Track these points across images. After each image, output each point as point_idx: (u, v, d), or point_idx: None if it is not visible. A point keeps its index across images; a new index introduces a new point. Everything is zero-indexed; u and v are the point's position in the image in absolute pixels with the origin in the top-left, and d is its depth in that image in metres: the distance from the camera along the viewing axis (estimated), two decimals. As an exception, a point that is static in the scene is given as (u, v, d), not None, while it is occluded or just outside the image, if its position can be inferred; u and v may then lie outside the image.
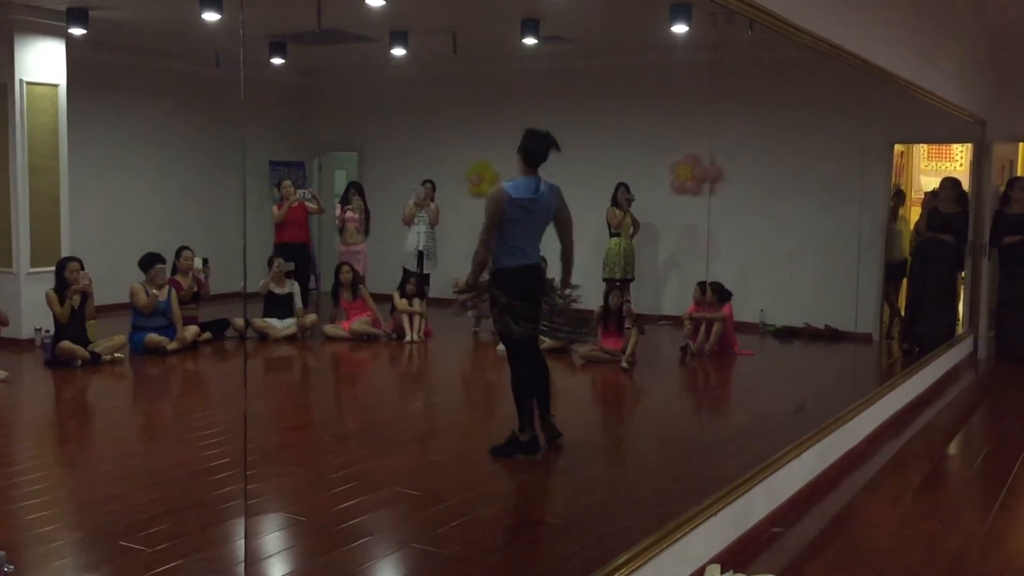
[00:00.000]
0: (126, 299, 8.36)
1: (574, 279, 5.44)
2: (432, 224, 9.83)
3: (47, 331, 7.83)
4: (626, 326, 7.91)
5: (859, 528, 4.65)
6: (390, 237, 10.34)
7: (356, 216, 10.00)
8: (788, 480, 4.81)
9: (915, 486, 5.41)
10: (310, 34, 9.28)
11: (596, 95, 10.44)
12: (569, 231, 5.30)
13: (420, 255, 9.76)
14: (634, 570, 3.42)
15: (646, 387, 7.83)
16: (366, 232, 10.10)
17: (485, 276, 5.24)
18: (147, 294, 8.30)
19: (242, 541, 3.96)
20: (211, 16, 7.57)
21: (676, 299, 9.79)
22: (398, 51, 9.43)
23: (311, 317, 9.34)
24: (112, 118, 10.45)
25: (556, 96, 10.55)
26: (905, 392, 7.19)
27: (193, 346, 8.43)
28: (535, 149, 5.22)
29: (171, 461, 5.26)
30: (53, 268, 7.97)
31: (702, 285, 8.48)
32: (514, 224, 5.08)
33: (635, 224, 9.55)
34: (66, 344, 7.55)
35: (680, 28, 6.99)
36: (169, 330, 8.32)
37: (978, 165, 9.61)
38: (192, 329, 8.50)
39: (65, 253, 8.41)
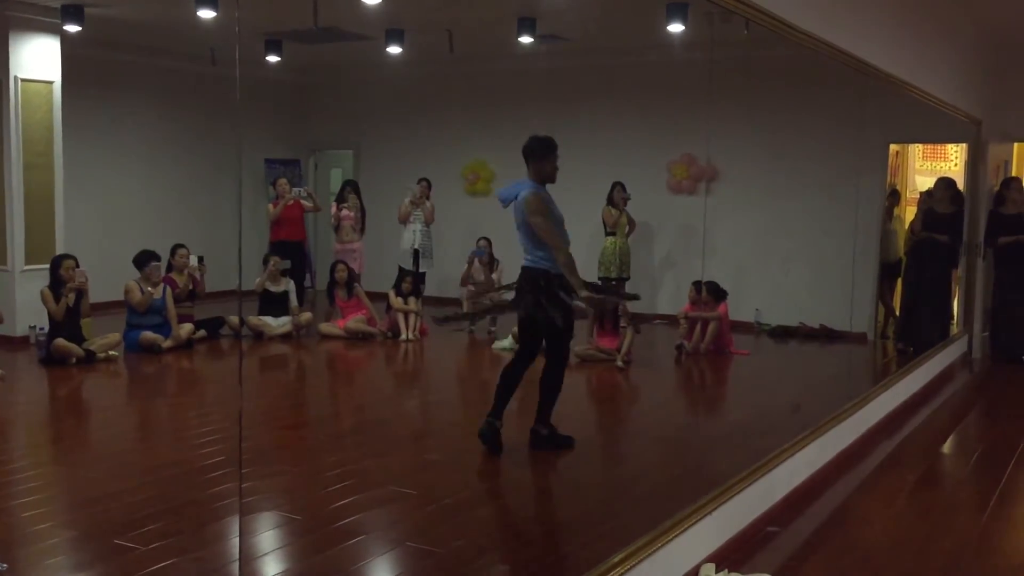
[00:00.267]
0: (121, 297, 8.34)
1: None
2: (428, 222, 9.82)
3: (41, 329, 7.82)
4: (621, 325, 7.91)
5: (854, 527, 4.66)
6: (386, 235, 10.34)
7: (352, 214, 9.99)
8: (783, 479, 4.82)
9: (910, 486, 5.41)
10: (306, 32, 9.27)
11: (592, 94, 10.44)
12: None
13: (416, 253, 9.76)
14: (629, 569, 3.42)
15: (641, 386, 7.83)
16: (362, 230, 10.10)
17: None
18: (142, 292, 8.29)
19: (236, 539, 3.96)
20: (207, 13, 7.56)
21: (672, 298, 9.80)
22: (394, 49, 9.42)
23: (306, 315, 9.33)
24: (107, 115, 10.42)
25: (552, 95, 10.55)
26: (900, 392, 7.20)
27: (188, 344, 8.42)
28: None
29: (165, 459, 5.25)
30: (47, 265, 7.95)
31: (698, 284, 8.49)
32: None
33: (631, 223, 9.55)
34: (61, 342, 7.53)
35: (676, 27, 6.99)
36: (164, 328, 8.31)
37: (973, 165, 9.63)
38: (187, 327, 8.49)
39: (60, 250, 8.39)
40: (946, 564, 4.18)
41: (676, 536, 3.74)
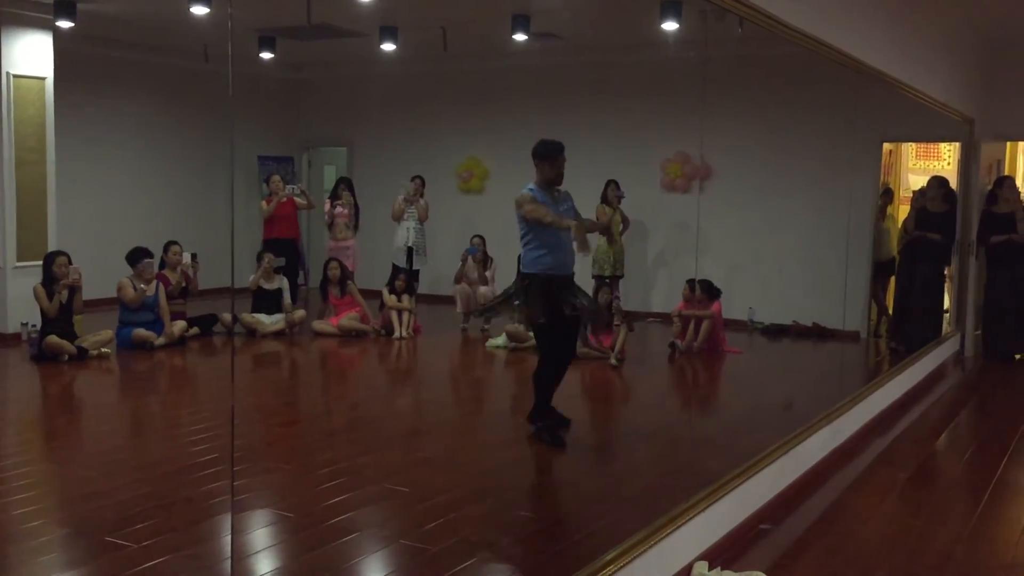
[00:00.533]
0: (113, 294, 8.32)
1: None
2: (421, 220, 9.82)
3: (33, 326, 7.79)
4: (615, 323, 7.91)
5: (847, 525, 4.67)
6: (379, 233, 10.32)
7: (345, 212, 9.98)
8: (776, 477, 4.83)
9: (902, 483, 5.43)
10: (300, 29, 9.26)
11: (586, 92, 10.44)
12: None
13: (409, 251, 9.75)
14: (622, 567, 3.42)
15: (634, 384, 7.83)
16: (355, 228, 10.09)
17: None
18: (134, 289, 8.27)
19: (228, 537, 3.95)
20: (200, 10, 7.54)
21: (665, 296, 9.81)
22: (388, 47, 9.41)
23: (299, 313, 9.31)
24: (100, 112, 10.39)
25: (546, 93, 10.56)
26: (892, 390, 7.21)
27: (180, 341, 8.40)
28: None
29: (158, 457, 5.24)
30: (39, 262, 7.93)
31: (691, 283, 8.50)
32: None
33: (625, 221, 9.55)
34: (53, 339, 7.51)
35: (670, 26, 6.98)
36: (156, 325, 8.29)
37: (966, 164, 9.65)
38: (179, 324, 8.47)
39: (52, 247, 8.36)
40: (938, 561, 4.19)
41: (669, 534, 3.74)
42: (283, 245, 9.72)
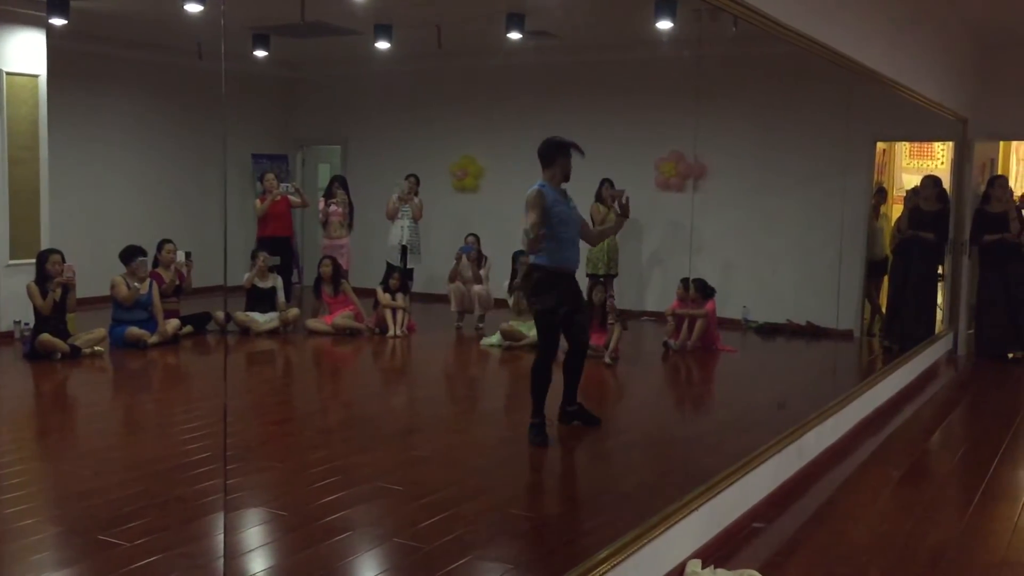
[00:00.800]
0: (106, 292, 8.31)
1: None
2: (416, 219, 9.81)
3: (26, 324, 7.77)
4: (609, 322, 7.92)
5: (839, 523, 4.68)
6: (374, 231, 10.32)
7: (339, 210, 9.96)
8: (769, 476, 4.83)
9: (895, 482, 5.44)
10: (294, 27, 9.23)
11: (581, 91, 10.44)
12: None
13: (403, 250, 9.74)
14: (615, 565, 3.42)
15: (628, 383, 7.84)
16: (349, 226, 10.07)
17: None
18: (128, 287, 8.25)
19: (221, 536, 3.94)
20: (193, 7, 7.53)
21: (659, 295, 9.82)
22: (382, 44, 9.40)
23: (293, 311, 9.30)
24: (93, 109, 10.37)
25: (540, 92, 10.56)
26: (885, 389, 7.23)
27: (174, 340, 8.39)
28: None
29: (151, 455, 5.23)
30: (33, 260, 7.91)
31: (685, 282, 8.51)
32: None
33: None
34: (46, 337, 7.49)
35: (665, 24, 6.99)
36: (150, 323, 8.28)
37: (959, 163, 9.68)
38: (173, 323, 8.46)
39: (45, 245, 8.34)
40: (930, 560, 4.21)
41: (662, 532, 3.75)
42: (277, 243, 9.70)
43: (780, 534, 4.51)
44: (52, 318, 7.63)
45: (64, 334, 7.66)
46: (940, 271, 9.55)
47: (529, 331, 8.33)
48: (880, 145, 9.73)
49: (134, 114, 10.87)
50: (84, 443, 5.70)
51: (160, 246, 8.82)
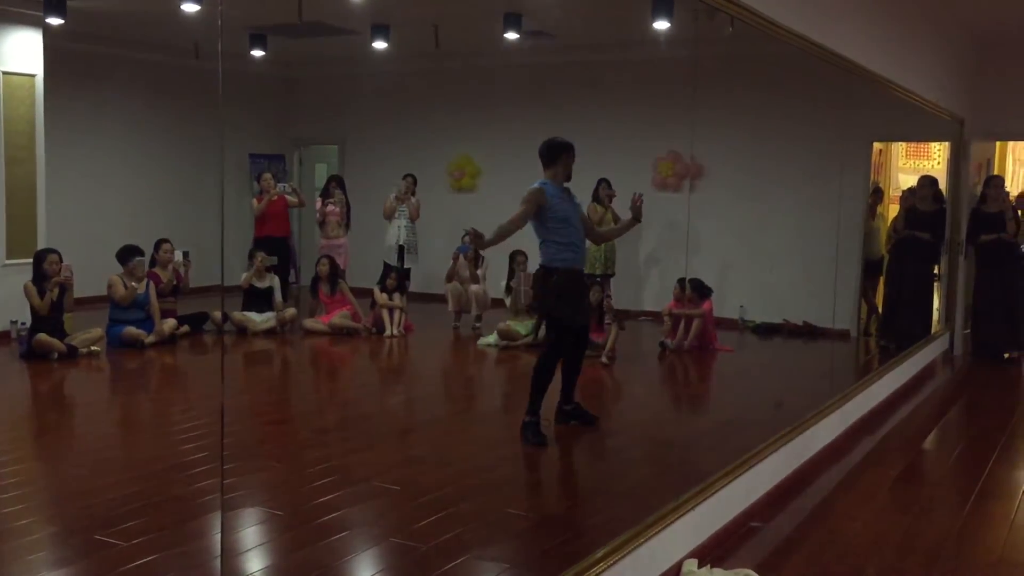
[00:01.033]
0: (103, 291, 8.30)
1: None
2: (413, 218, 9.81)
3: (23, 323, 7.76)
4: (606, 321, 7.92)
5: (836, 523, 4.69)
6: (371, 231, 10.31)
7: (337, 210, 9.97)
8: (766, 475, 4.84)
9: (891, 481, 5.45)
10: (291, 26, 9.23)
11: (578, 90, 10.44)
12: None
13: (400, 249, 9.74)
14: (612, 564, 3.42)
15: (625, 383, 7.84)
16: (347, 226, 10.07)
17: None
18: (125, 287, 8.25)
19: (218, 535, 3.94)
20: (190, 7, 7.53)
21: (656, 295, 9.82)
22: (379, 44, 9.40)
23: (290, 311, 9.30)
24: (90, 109, 10.36)
25: (537, 91, 10.56)
26: (882, 388, 7.24)
27: (171, 339, 8.38)
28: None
29: (148, 455, 5.23)
30: (29, 260, 7.90)
31: (682, 281, 8.52)
32: None
33: (616, 220, 9.55)
34: (43, 337, 7.48)
35: (662, 24, 7.00)
36: (147, 323, 8.27)
37: (955, 163, 9.69)
38: (170, 322, 8.45)
39: (42, 245, 8.33)
40: (927, 559, 4.21)
41: (659, 532, 3.75)
42: (274, 243, 9.70)
43: (777, 533, 4.52)
44: (49, 318, 7.63)
45: (61, 334, 7.65)
46: (936, 271, 9.57)
47: (526, 331, 8.34)
48: (876, 145, 9.75)
49: (131, 114, 10.87)
50: (81, 443, 5.69)
51: (157, 246, 8.81)
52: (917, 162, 10.82)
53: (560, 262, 5.44)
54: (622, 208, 9.56)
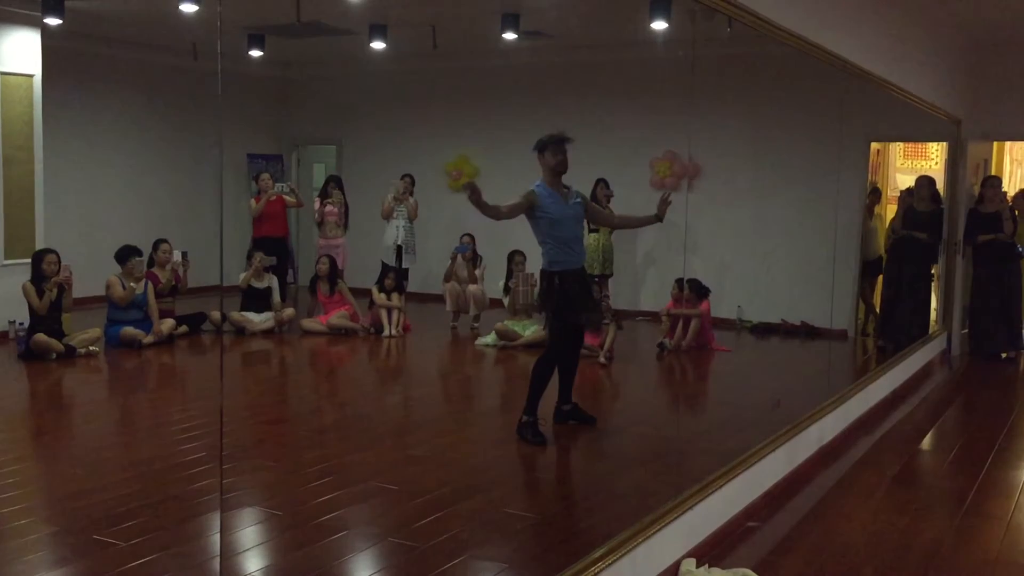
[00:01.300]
0: (101, 292, 8.30)
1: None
2: (411, 218, 9.81)
3: (21, 323, 7.76)
4: (604, 322, 7.92)
5: (833, 523, 4.70)
6: (369, 231, 10.31)
7: (335, 210, 9.97)
8: (763, 475, 4.85)
9: (888, 481, 5.46)
10: (289, 27, 9.24)
11: (575, 91, 10.45)
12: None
13: (399, 249, 9.75)
14: (610, 564, 3.43)
15: (623, 383, 7.85)
16: (345, 226, 10.08)
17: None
18: (123, 287, 8.25)
19: (217, 535, 3.95)
20: (188, 8, 7.52)
21: (654, 295, 9.82)
22: (378, 45, 9.40)
23: (289, 311, 9.30)
24: (88, 109, 10.35)
25: (535, 91, 10.56)
26: (879, 388, 7.25)
27: (169, 339, 8.39)
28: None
29: (146, 455, 5.23)
30: (27, 260, 7.90)
31: (680, 281, 8.52)
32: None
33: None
34: (41, 337, 7.48)
35: (659, 25, 7.00)
36: (145, 323, 8.28)
37: (953, 164, 9.70)
38: (168, 322, 8.45)
39: (40, 245, 8.33)
40: (924, 558, 4.22)
41: (657, 531, 3.76)
42: (272, 243, 9.70)
43: (774, 533, 4.53)
44: (47, 318, 7.63)
45: (59, 334, 7.65)
46: (934, 271, 9.59)
47: (524, 331, 8.35)
48: (874, 145, 9.76)
49: (129, 114, 10.86)
50: (79, 443, 5.70)
51: (156, 246, 8.81)
52: (915, 162, 10.83)
53: (559, 264, 5.45)
54: (619, 207, 9.58)
